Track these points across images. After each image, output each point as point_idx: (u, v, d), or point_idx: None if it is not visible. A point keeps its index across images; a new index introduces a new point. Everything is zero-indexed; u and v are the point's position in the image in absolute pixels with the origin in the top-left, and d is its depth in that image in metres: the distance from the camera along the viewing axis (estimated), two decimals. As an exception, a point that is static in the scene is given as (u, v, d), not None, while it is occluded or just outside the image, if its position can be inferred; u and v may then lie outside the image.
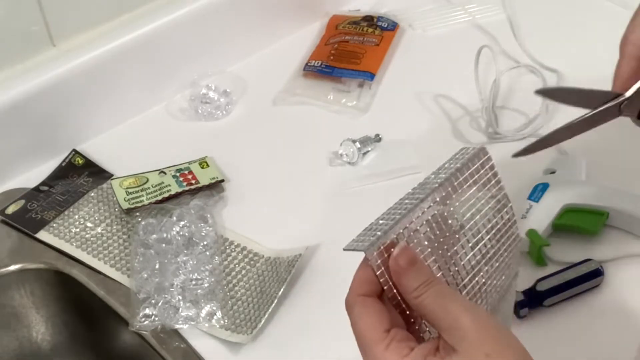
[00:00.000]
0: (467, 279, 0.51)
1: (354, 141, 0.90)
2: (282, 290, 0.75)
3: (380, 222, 0.48)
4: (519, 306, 0.72)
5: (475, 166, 0.52)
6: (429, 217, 0.49)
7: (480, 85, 0.94)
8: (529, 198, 0.81)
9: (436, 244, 0.49)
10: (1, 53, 0.85)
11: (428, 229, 0.49)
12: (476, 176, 0.52)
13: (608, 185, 0.82)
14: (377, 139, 0.92)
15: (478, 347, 0.45)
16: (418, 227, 0.48)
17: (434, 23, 1.10)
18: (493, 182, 0.53)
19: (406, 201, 0.50)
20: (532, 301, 0.73)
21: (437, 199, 0.50)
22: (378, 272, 0.47)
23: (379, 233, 0.47)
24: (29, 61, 0.88)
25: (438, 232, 0.50)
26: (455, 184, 0.51)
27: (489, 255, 0.53)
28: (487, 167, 0.52)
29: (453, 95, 0.98)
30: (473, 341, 0.46)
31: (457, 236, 0.50)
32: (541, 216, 0.79)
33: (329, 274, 0.79)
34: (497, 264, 0.54)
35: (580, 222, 0.79)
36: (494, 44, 1.03)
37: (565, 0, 1.10)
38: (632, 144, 0.89)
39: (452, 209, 0.50)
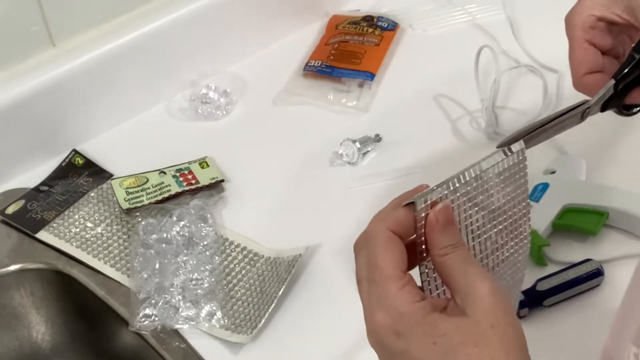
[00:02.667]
0: (479, 258, 0.53)
1: (354, 141, 0.90)
2: (282, 290, 0.75)
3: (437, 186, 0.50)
4: (519, 306, 0.72)
5: (514, 157, 0.54)
6: (472, 191, 0.51)
7: (480, 85, 0.94)
8: (529, 198, 0.81)
9: (469, 215, 0.51)
10: (1, 53, 0.85)
11: (468, 200, 0.51)
12: (511, 165, 0.54)
13: (608, 185, 0.82)
14: (377, 139, 0.92)
15: (486, 315, 0.46)
16: (461, 194, 0.50)
17: (434, 23, 1.10)
18: (522, 174, 0.54)
19: (465, 173, 0.52)
20: (532, 301, 0.73)
21: (483, 177, 0.52)
22: (419, 224, 0.48)
23: (434, 187, 0.49)
24: (29, 61, 0.88)
25: (474, 206, 0.51)
26: (498, 171, 0.53)
27: (501, 242, 0.54)
28: (522, 157, 0.54)
29: (453, 95, 0.98)
30: (483, 308, 0.46)
31: (482, 213, 0.52)
32: (541, 216, 0.79)
33: (329, 274, 0.79)
34: (506, 254, 0.55)
35: (580, 222, 0.79)
36: (494, 44, 1.03)
37: (565, 1, 1.10)
38: (632, 144, 0.89)
39: (491, 191, 0.52)
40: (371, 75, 1.00)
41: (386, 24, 1.07)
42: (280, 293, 0.75)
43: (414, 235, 0.49)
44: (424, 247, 0.49)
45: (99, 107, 0.93)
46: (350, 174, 0.89)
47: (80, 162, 0.91)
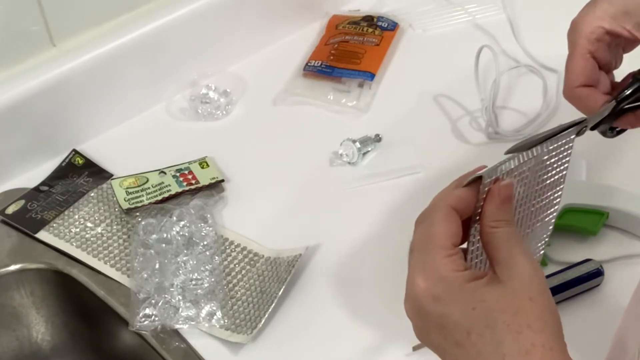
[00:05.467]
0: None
1: (354, 141, 0.90)
2: (282, 290, 0.75)
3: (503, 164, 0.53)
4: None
5: (567, 142, 0.57)
6: (526, 170, 0.54)
7: (480, 85, 0.94)
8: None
9: (522, 196, 0.54)
10: (1, 53, 0.85)
11: (524, 182, 0.54)
12: (562, 150, 0.57)
13: (608, 185, 0.82)
14: (377, 139, 0.92)
15: (526, 288, 0.47)
16: (518, 173, 0.53)
17: (434, 23, 1.10)
18: (566, 160, 0.57)
19: (530, 156, 0.54)
20: (532, 301, 0.73)
21: (539, 160, 0.55)
22: (482, 196, 0.51)
23: (500, 167, 0.52)
24: (29, 61, 0.88)
25: (523, 183, 0.54)
26: (551, 154, 0.56)
27: (533, 221, 0.57)
28: (570, 144, 0.57)
29: (453, 95, 0.98)
30: (523, 282, 0.48)
31: (531, 191, 0.55)
32: (541, 216, 0.79)
33: (329, 274, 0.79)
34: (530, 231, 0.58)
35: (580, 222, 0.79)
36: (494, 44, 1.03)
37: (565, 1, 1.10)
38: (632, 144, 0.89)
39: (543, 171, 0.55)
40: (371, 75, 1.00)
41: (386, 24, 1.07)
42: (280, 293, 0.75)
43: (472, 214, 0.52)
44: (478, 218, 0.52)
45: (99, 107, 0.93)
46: (350, 174, 0.89)
47: (80, 162, 0.91)
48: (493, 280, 0.48)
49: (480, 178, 0.51)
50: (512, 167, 0.52)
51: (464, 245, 0.53)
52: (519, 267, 0.48)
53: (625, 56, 0.69)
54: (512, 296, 0.47)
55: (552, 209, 0.59)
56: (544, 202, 0.57)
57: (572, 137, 0.56)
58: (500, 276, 0.48)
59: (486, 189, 0.51)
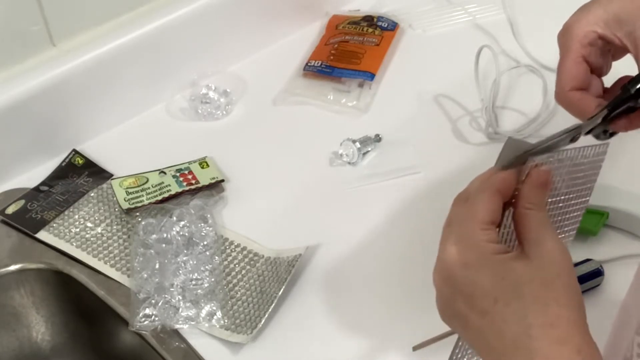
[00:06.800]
0: None
1: (354, 141, 0.90)
2: (282, 290, 0.75)
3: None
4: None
5: (600, 147, 0.59)
6: (568, 167, 0.56)
7: (480, 85, 0.94)
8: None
9: (555, 187, 0.56)
10: (1, 53, 0.85)
11: (563, 174, 0.56)
12: (596, 160, 0.59)
13: (608, 185, 0.82)
14: (377, 139, 0.92)
15: (553, 265, 0.49)
16: (560, 167, 0.55)
17: (434, 23, 1.10)
18: (595, 172, 0.59)
19: (570, 152, 0.57)
20: (532, 301, 0.73)
21: (579, 161, 0.57)
22: (522, 179, 0.53)
23: (541, 155, 0.54)
24: (29, 61, 0.88)
25: (564, 180, 0.56)
26: (588, 160, 0.58)
27: (562, 217, 0.59)
28: (602, 157, 0.59)
29: (453, 95, 0.98)
30: (551, 259, 0.49)
31: (564, 191, 0.57)
32: (541, 216, 0.79)
33: (329, 274, 0.79)
34: (560, 226, 0.59)
35: (580, 222, 0.79)
36: (494, 44, 1.03)
37: (565, 0, 1.10)
38: (632, 144, 0.89)
39: (579, 174, 0.57)
40: (371, 75, 1.00)
41: (386, 24, 1.07)
42: (280, 293, 0.75)
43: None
44: (514, 200, 0.53)
45: (99, 107, 0.93)
46: (350, 174, 0.89)
47: (80, 162, 0.91)
48: (522, 256, 0.50)
49: (522, 162, 0.53)
50: (550, 159, 0.54)
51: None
52: (548, 246, 0.50)
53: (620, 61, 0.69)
54: (540, 270, 0.48)
55: (575, 219, 0.60)
56: (569, 208, 0.59)
57: (606, 148, 0.58)
58: (528, 252, 0.50)
59: (527, 171, 0.53)
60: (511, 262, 0.49)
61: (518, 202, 0.52)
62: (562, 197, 0.57)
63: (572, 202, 0.58)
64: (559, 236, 0.59)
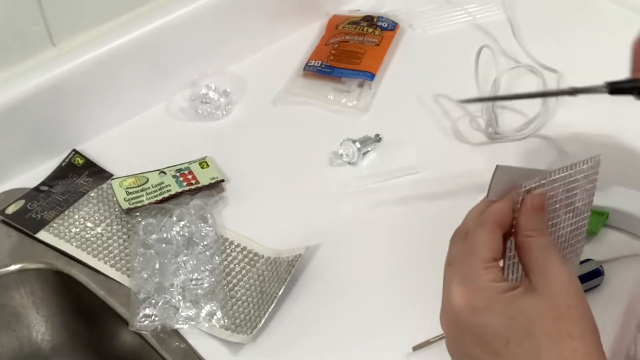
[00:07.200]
0: None
1: (354, 141, 0.90)
2: (282, 290, 0.75)
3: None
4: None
5: (592, 167, 0.58)
6: (564, 187, 0.55)
7: (480, 85, 0.94)
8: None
9: (555, 208, 0.55)
10: (1, 53, 0.85)
11: (559, 193, 0.55)
12: (590, 173, 0.58)
13: (608, 185, 0.82)
14: (377, 139, 0.92)
15: (563, 296, 0.48)
16: (556, 187, 0.54)
17: (434, 23, 1.10)
18: (592, 185, 0.58)
19: (563, 171, 0.55)
20: (532, 301, 0.73)
21: (574, 177, 0.56)
22: (517, 207, 0.52)
23: (533, 179, 0.53)
24: (29, 61, 0.88)
25: (562, 200, 0.55)
26: (582, 175, 0.57)
27: (567, 237, 0.58)
28: (596, 169, 0.58)
29: (453, 95, 0.98)
30: (560, 289, 0.48)
31: (564, 211, 0.56)
32: (541, 216, 0.79)
33: (329, 274, 0.79)
34: (566, 249, 0.58)
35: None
36: (494, 44, 1.03)
37: (565, 1, 1.10)
38: (632, 144, 0.89)
39: (576, 191, 0.56)
40: (371, 75, 1.00)
41: (386, 24, 1.07)
42: (280, 293, 0.75)
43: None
44: (513, 230, 0.52)
45: (98, 107, 0.93)
46: (350, 174, 0.89)
47: (80, 162, 0.91)
48: (529, 289, 0.48)
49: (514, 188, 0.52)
50: (542, 182, 0.52)
51: (500, 263, 0.53)
52: (555, 274, 0.48)
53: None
54: (550, 304, 0.47)
55: (581, 235, 0.59)
56: (574, 226, 0.58)
57: (598, 159, 0.56)
58: (535, 284, 0.48)
59: (520, 197, 0.52)
60: (519, 299, 0.48)
61: (517, 231, 0.51)
62: (564, 217, 0.56)
63: (575, 219, 0.57)
64: (569, 255, 0.58)
